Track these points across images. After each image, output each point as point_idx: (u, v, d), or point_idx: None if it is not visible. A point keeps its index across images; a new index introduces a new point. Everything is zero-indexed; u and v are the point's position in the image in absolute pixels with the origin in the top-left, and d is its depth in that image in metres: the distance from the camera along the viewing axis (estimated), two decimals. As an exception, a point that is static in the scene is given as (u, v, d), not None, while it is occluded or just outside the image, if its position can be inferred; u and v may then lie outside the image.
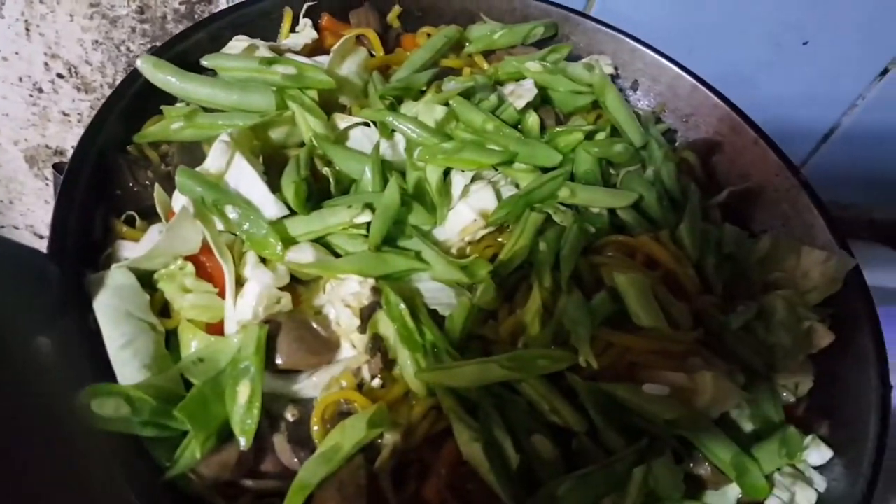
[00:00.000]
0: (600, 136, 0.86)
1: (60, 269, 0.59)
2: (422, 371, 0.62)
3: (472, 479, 0.59)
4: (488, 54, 0.94)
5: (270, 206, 0.67)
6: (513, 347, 0.67)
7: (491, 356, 0.64)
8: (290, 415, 0.61)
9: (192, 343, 0.62)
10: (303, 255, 0.66)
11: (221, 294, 0.64)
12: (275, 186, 0.69)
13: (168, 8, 1.11)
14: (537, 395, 0.63)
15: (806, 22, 1.10)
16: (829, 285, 0.77)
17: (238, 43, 0.80)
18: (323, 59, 0.82)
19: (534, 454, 0.60)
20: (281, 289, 0.66)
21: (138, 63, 0.72)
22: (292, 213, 0.68)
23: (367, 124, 0.78)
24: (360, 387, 0.64)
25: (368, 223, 0.68)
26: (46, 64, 1.18)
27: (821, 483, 0.69)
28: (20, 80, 1.20)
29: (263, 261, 0.66)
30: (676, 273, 0.75)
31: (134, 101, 0.74)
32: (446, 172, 0.76)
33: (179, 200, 0.66)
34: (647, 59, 0.94)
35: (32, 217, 1.46)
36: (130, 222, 0.69)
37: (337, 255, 0.69)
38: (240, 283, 0.64)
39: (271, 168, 0.72)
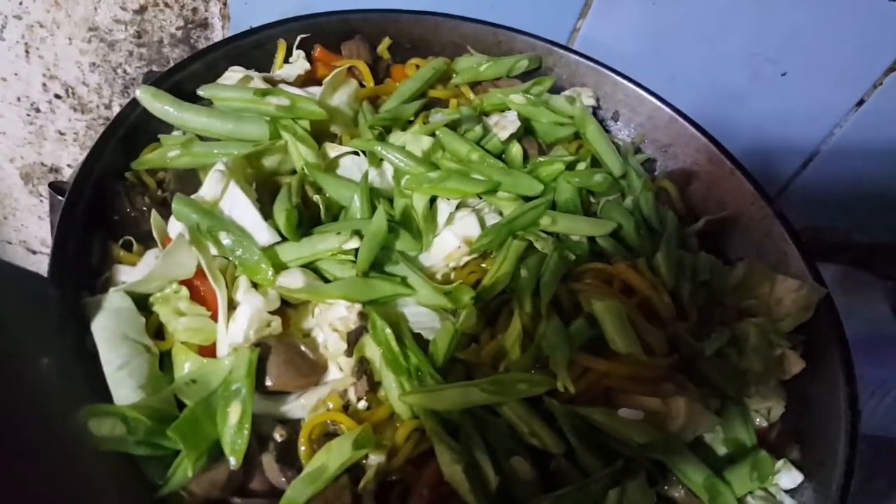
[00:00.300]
0: (581, 166, 0.89)
1: (60, 293, 0.61)
2: (406, 394, 0.64)
3: (452, 499, 0.61)
4: (474, 85, 0.97)
5: (263, 233, 0.69)
6: (494, 371, 0.69)
7: (473, 379, 0.67)
8: (278, 435, 0.63)
9: (185, 365, 0.64)
10: (293, 281, 0.69)
11: (214, 317, 0.66)
12: (267, 213, 0.71)
13: (164, 33, 1.14)
14: (517, 417, 0.65)
15: (784, 53, 1.14)
16: (801, 313, 0.80)
17: (233, 73, 0.83)
18: (315, 90, 0.85)
19: (513, 475, 0.63)
20: (271, 312, 0.68)
21: (137, 93, 0.75)
22: (283, 239, 0.71)
23: (356, 153, 0.81)
24: (346, 408, 0.66)
25: (356, 249, 0.71)
26: (45, 85, 1.21)
27: (791, 506, 0.71)
28: (18, 99, 1.23)
29: (255, 285, 0.68)
30: (652, 300, 0.78)
31: (132, 130, 0.76)
32: (432, 200, 0.79)
33: (175, 226, 0.69)
34: (627, 91, 0.98)
35: (26, 233, 1.48)
36: (127, 247, 0.71)
37: (326, 280, 0.71)
38: (232, 306, 0.67)
39: (263, 194, 0.74)
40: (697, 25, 1.10)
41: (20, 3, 1.09)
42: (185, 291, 0.66)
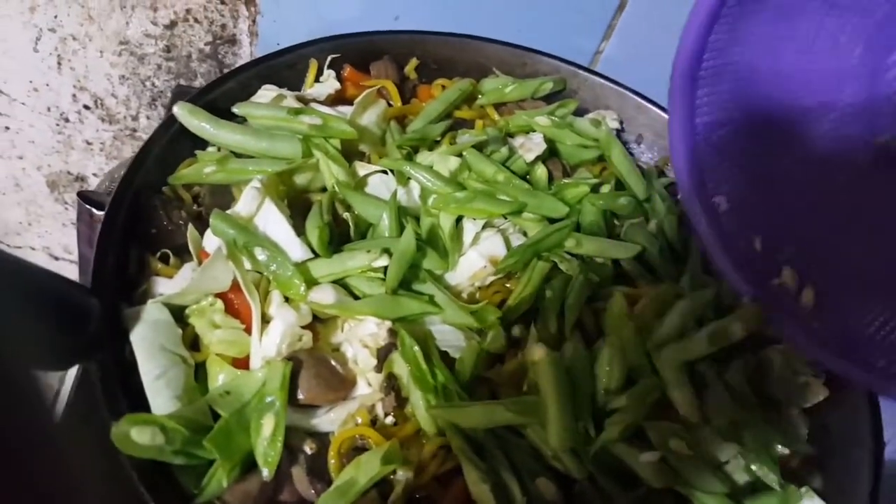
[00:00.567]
0: (605, 188, 0.90)
1: (100, 303, 0.63)
2: (432, 407, 0.65)
3: (478, 517, 0.62)
4: (499, 106, 0.99)
5: (296, 249, 0.71)
6: (516, 391, 0.71)
7: (497, 399, 0.68)
8: (308, 448, 0.65)
9: (220, 376, 0.66)
10: (324, 296, 0.70)
11: (248, 330, 0.68)
12: (299, 229, 0.73)
13: (193, 48, 1.17)
14: (541, 440, 0.66)
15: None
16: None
17: (267, 92, 0.85)
18: (344, 109, 0.87)
19: (538, 496, 0.63)
20: (302, 327, 0.70)
21: (175, 109, 0.77)
22: (315, 255, 0.73)
23: (385, 172, 0.83)
24: (374, 423, 0.68)
25: (385, 267, 0.72)
26: (74, 95, 1.23)
27: (814, 535, 0.72)
28: (48, 109, 1.25)
29: (287, 300, 0.70)
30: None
31: (169, 145, 0.78)
32: (458, 220, 0.80)
33: (211, 240, 0.71)
34: (651, 114, 0.99)
35: (49, 239, 1.51)
36: (164, 259, 0.73)
37: (355, 296, 0.73)
38: (265, 320, 0.68)
39: (294, 211, 0.76)
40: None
41: (55, 17, 1.12)
42: (220, 304, 0.68)
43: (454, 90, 0.94)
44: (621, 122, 1.00)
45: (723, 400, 0.72)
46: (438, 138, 0.89)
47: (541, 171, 0.88)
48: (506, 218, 0.83)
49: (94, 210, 0.75)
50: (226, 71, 1.06)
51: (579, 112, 0.99)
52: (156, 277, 0.70)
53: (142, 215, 0.73)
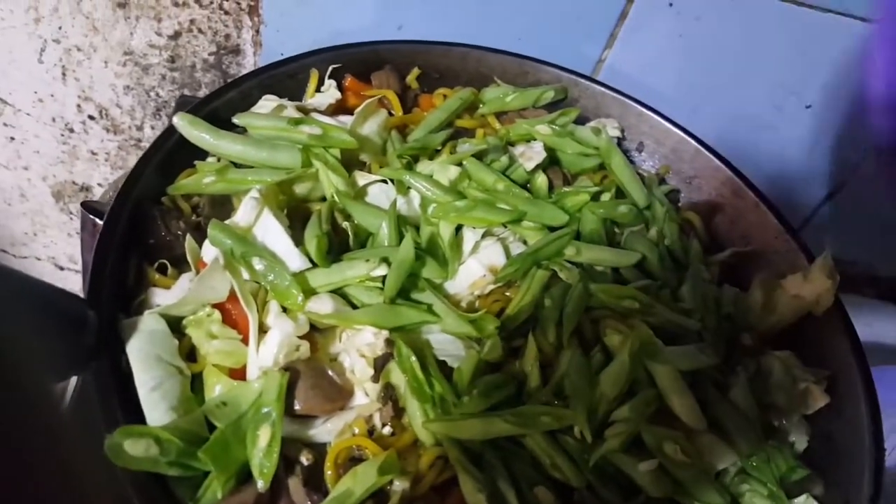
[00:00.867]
0: (605, 196, 0.90)
1: (97, 314, 0.63)
2: (428, 422, 0.65)
3: (476, 527, 0.61)
4: (500, 115, 0.98)
5: (294, 259, 0.71)
6: (516, 402, 0.70)
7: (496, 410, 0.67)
8: (304, 459, 0.64)
9: (216, 387, 0.65)
10: (322, 306, 0.70)
11: (245, 341, 0.68)
12: (297, 239, 0.73)
13: (197, 58, 1.17)
14: (539, 449, 0.66)
15: (808, 86, 1.15)
16: (826, 294, 0.80)
17: (267, 102, 0.85)
18: (345, 119, 0.87)
19: (536, 505, 0.63)
20: (300, 337, 0.69)
21: (175, 120, 0.77)
22: (313, 265, 0.72)
23: (385, 181, 0.83)
24: (371, 433, 0.67)
25: (384, 276, 0.72)
26: (79, 106, 1.24)
27: (814, 543, 0.71)
28: (53, 120, 1.26)
29: (285, 310, 0.70)
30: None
31: (169, 156, 0.78)
32: (458, 229, 0.80)
33: (209, 250, 0.71)
34: (652, 122, 0.99)
35: (55, 249, 1.51)
36: (162, 270, 0.73)
37: (353, 306, 0.73)
38: (262, 330, 0.68)
39: (294, 220, 0.76)
40: (721, 57, 1.11)
41: (59, 28, 1.12)
42: (217, 315, 0.67)
43: (455, 99, 0.94)
44: (622, 131, 1.00)
45: (725, 410, 0.72)
46: (439, 147, 0.89)
47: (541, 180, 0.88)
48: (506, 226, 0.82)
49: (98, 220, 0.75)
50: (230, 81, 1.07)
51: (581, 120, 0.99)
52: (153, 288, 0.70)
53: (140, 226, 0.73)
